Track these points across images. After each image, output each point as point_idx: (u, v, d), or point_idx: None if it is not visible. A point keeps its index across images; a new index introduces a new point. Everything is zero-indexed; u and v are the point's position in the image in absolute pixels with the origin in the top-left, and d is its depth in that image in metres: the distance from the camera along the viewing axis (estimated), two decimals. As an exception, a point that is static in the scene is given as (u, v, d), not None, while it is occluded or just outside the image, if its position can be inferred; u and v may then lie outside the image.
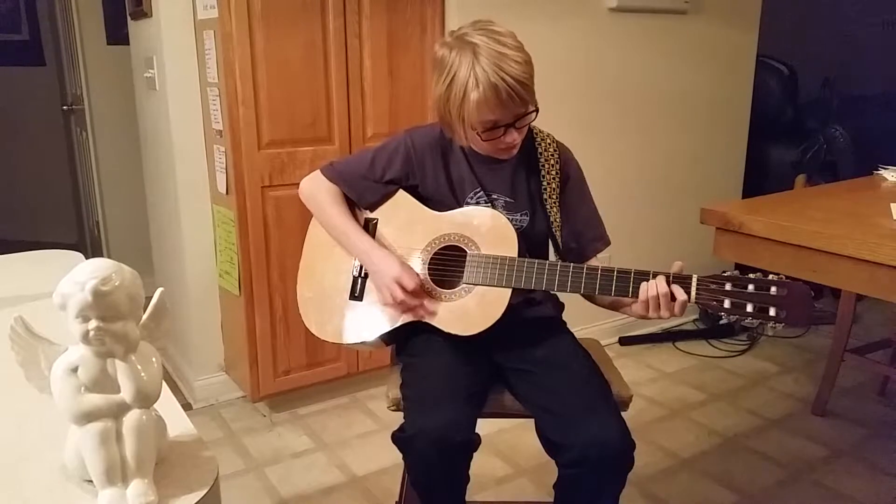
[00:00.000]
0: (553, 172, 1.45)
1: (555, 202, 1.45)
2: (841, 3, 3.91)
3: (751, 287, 1.22)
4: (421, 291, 1.37)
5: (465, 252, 1.37)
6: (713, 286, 1.24)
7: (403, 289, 1.34)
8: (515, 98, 1.26)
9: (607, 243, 1.52)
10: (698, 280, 1.25)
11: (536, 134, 1.48)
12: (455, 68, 1.28)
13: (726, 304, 1.23)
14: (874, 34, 3.80)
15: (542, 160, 1.45)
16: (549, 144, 1.48)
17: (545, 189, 1.44)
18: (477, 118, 1.29)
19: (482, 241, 1.36)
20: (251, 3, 2.09)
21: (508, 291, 1.32)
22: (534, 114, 1.33)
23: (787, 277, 1.22)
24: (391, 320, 1.40)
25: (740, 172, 3.45)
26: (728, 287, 1.23)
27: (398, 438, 1.28)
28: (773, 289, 1.21)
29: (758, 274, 1.24)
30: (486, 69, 1.24)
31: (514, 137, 1.33)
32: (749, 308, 1.22)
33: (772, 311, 1.21)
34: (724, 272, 1.26)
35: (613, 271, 1.28)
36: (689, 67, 3.08)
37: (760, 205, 1.92)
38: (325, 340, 1.47)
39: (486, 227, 1.37)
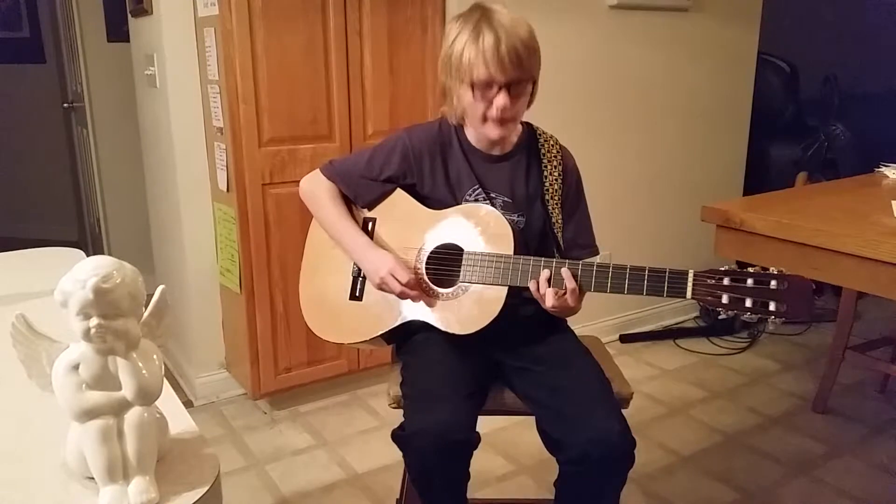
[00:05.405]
0: (556, 174, 1.45)
1: (557, 202, 1.44)
2: (842, 1, 3.90)
3: (750, 282, 1.19)
4: (417, 284, 1.37)
5: (462, 250, 1.37)
6: (710, 281, 1.21)
7: (398, 281, 1.35)
8: (514, 58, 1.28)
9: (596, 253, 1.50)
10: (695, 275, 1.22)
11: (540, 135, 1.47)
12: (463, 24, 1.32)
13: (724, 299, 1.19)
14: (875, 31, 3.79)
15: (546, 161, 1.45)
16: (553, 146, 1.47)
17: (548, 189, 1.43)
18: (474, 73, 1.30)
19: (479, 239, 1.36)
20: (252, 0, 2.09)
21: (505, 289, 1.32)
22: (530, 85, 1.34)
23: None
24: (390, 320, 1.40)
25: (741, 170, 3.45)
26: (726, 282, 1.20)
27: (398, 437, 1.28)
28: (773, 283, 1.18)
29: (756, 268, 1.21)
30: (495, 25, 1.28)
31: (504, 102, 1.31)
32: (748, 303, 1.18)
33: (772, 306, 1.17)
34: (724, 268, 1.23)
35: (609, 267, 1.27)
36: (689, 65, 3.08)
37: (761, 202, 1.92)
38: (326, 340, 1.48)
39: (482, 224, 1.37)
